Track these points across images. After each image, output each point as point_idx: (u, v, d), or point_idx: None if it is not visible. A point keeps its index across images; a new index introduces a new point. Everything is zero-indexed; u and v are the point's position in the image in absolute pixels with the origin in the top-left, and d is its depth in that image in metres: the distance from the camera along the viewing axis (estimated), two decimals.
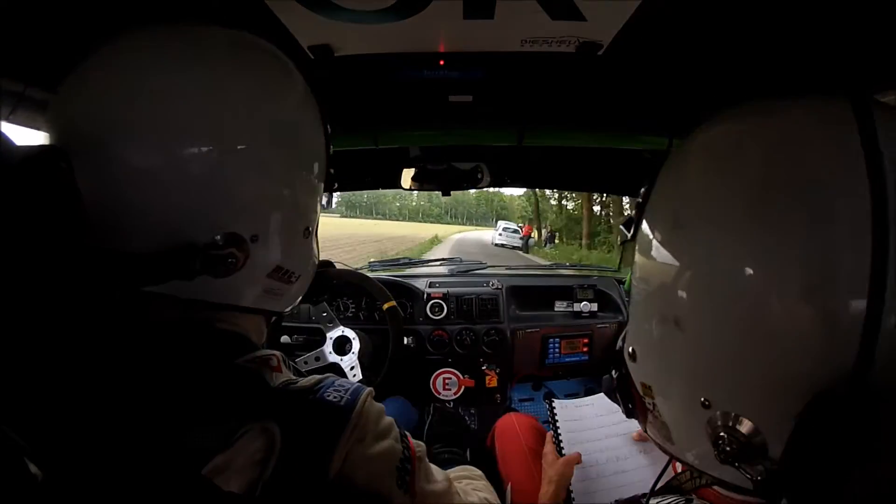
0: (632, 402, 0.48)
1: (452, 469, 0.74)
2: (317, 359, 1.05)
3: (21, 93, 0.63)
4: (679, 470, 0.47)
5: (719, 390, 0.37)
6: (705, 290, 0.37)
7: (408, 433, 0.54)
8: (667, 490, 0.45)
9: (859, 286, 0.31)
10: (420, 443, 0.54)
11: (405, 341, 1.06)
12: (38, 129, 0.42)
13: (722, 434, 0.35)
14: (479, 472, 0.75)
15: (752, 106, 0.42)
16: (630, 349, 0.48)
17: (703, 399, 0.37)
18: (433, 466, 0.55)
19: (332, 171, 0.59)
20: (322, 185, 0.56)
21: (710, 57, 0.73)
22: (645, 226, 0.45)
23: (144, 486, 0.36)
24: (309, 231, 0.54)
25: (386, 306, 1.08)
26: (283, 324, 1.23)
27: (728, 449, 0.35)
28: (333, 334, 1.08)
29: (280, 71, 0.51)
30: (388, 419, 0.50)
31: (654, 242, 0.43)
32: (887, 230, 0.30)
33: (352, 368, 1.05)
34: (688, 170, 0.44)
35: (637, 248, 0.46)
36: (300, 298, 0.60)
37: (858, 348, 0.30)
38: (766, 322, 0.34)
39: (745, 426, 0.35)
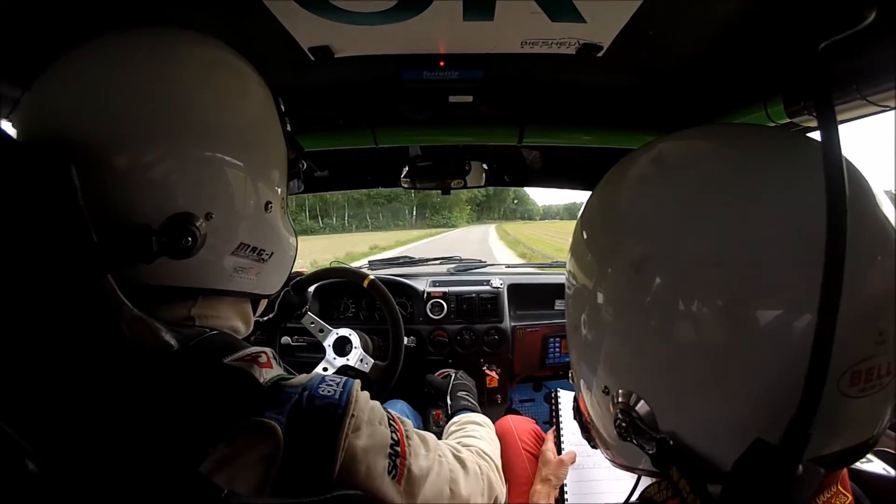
0: (581, 419, 0.51)
1: (463, 416, 0.80)
2: (325, 369, 1.05)
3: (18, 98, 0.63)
4: None
5: (613, 377, 0.42)
6: (611, 291, 0.41)
7: (393, 412, 0.54)
8: (641, 502, 0.46)
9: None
10: (406, 419, 0.55)
11: (406, 341, 1.06)
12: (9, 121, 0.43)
13: (619, 413, 0.40)
14: (485, 420, 0.80)
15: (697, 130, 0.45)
16: (570, 370, 0.50)
17: (603, 387, 0.42)
18: (425, 436, 0.55)
19: (298, 157, 0.60)
20: (283, 163, 0.57)
21: (709, 56, 0.73)
22: (576, 228, 0.48)
23: (139, 483, 0.36)
24: (270, 206, 0.54)
25: (366, 283, 1.08)
26: (285, 325, 1.23)
27: (623, 425, 0.39)
28: (330, 341, 1.08)
29: (238, 83, 0.52)
30: (376, 405, 0.51)
31: (578, 244, 0.46)
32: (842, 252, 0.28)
33: (361, 360, 1.05)
34: (625, 182, 0.46)
35: (573, 247, 0.48)
36: (283, 281, 0.61)
37: (801, 398, 0.29)
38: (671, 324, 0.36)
39: (638, 404, 0.39)
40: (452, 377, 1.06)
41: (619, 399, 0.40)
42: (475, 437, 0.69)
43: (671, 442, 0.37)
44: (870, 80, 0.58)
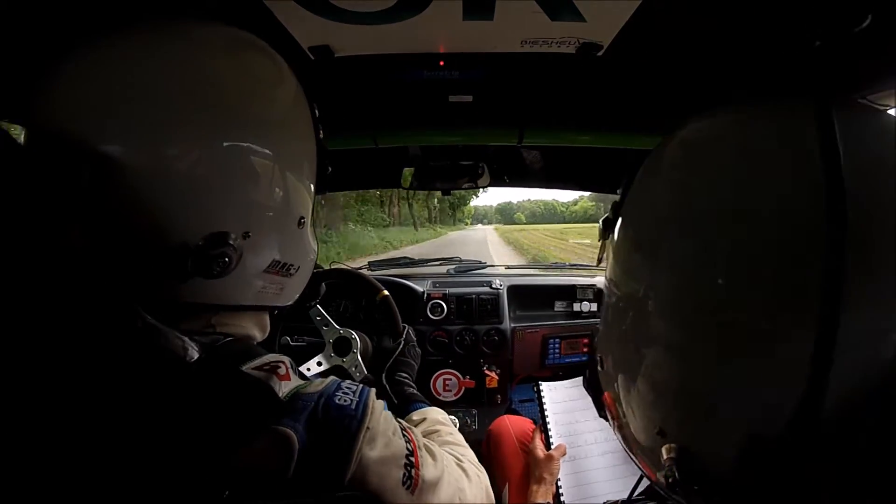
0: (601, 403, 0.48)
1: (421, 412, 0.76)
2: (319, 363, 1.04)
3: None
4: None
5: (675, 422, 0.36)
6: (672, 312, 0.35)
7: (404, 422, 0.54)
8: (648, 496, 0.45)
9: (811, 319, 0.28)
10: (415, 429, 0.55)
11: (404, 332, 1.05)
12: (20, 123, 0.40)
13: (671, 467, 0.35)
14: (445, 416, 0.77)
15: (726, 114, 0.39)
16: (598, 356, 0.47)
17: (658, 429, 0.37)
18: (430, 445, 0.55)
19: (325, 161, 0.57)
20: (314, 175, 0.55)
21: (709, 55, 0.73)
22: (619, 228, 0.43)
23: (150, 488, 0.36)
24: (303, 221, 0.53)
25: (379, 297, 1.08)
26: (285, 324, 1.22)
27: (671, 481, 0.35)
28: (332, 337, 1.07)
29: (273, 70, 0.50)
30: (390, 415, 0.51)
31: (625, 248, 0.42)
32: (843, 260, 0.27)
33: (355, 367, 1.05)
34: (661, 177, 0.41)
35: (611, 250, 0.45)
36: (302, 290, 0.60)
37: (805, 389, 0.28)
38: (737, 351, 0.32)
39: (694, 460, 0.35)
40: (401, 346, 0.98)
41: (673, 455, 0.35)
42: (458, 443, 0.69)
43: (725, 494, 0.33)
44: (869, 80, 0.58)
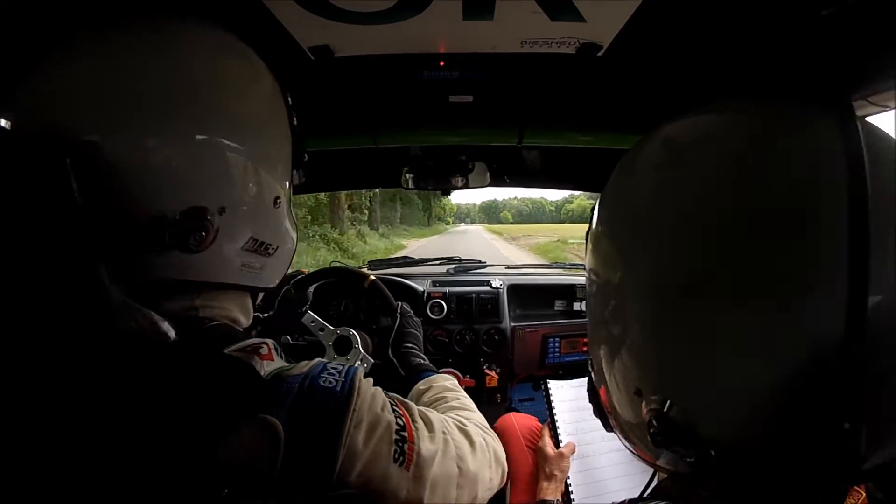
0: (598, 404, 0.49)
1: (428, 379, 0.75)
2: None
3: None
4: None
5: (647, 380, 0.38)
6: (637, 288, 0.37)
7: (398, 396, 0.53)
8: (655, 495, 0.44)
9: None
10: (409, 402, 0.53)
11: (399, 307, 1.04)
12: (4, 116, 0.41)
13: (652, 420, 0.36)
14: (454, 382, 0.76)
15: (715, 108, 0.39)
16: (590, 358, 0.47)
17: (634, 388, 0.38)
18: (429, 415, 0.54)
19: (302, 148, 0.59)
20: (289, 159, 0.57)
21: (710, 56, 0.73)
22: (594, 217, 0.45)
23: (138, 480, 0.35)
24: (279, 201, 0.54)
25: (367, 283, 1.08)
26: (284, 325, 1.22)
27: (653, 431, 0.35)
28: (330, 340, 1.08)
29: (246, 61, 0.52)
30: (378, 391, 0.50)
31: (599, 236, 0.43)
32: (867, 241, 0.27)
33: (360, 361, 1.05)
34: (638, 166, 0.42)
35: (588, 241, 0.46)
36: (283, 274, 0.60)
37: (844, 326, 0.28)
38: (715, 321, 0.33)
39: (675, 410, 0.35)
40: (398, 319, 0.97)
41: (653, 406, 0.36)
42: (464, 408, 0.68)
43: (713, 452, 0.33)
44: (870, 80, 0.58)
